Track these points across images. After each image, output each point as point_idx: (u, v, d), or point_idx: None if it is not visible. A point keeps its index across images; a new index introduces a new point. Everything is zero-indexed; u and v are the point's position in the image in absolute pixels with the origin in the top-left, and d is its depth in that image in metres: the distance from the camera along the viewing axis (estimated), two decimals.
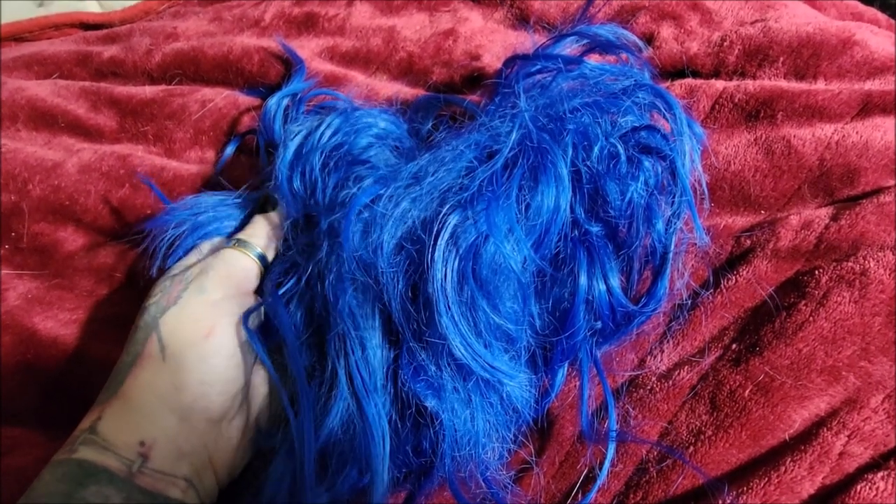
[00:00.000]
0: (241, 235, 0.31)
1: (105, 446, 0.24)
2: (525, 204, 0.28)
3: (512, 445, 0.29)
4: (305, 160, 0.31)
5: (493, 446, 0.28)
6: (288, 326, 0.28)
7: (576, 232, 0.30)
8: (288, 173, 0.31)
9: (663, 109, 0.33)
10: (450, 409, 0.26)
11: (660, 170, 0.31)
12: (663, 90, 0.33)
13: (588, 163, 0.30)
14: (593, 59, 0.37)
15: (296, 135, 0.33)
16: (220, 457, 0.27)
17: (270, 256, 0.32)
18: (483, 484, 0.27)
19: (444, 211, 0.27)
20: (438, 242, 0.26)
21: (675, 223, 0.31)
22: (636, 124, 0.31)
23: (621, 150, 0.30)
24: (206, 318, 0.27)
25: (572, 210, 0.30)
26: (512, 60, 0.38)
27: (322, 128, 0.32)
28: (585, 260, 0.29)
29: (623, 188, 0.30)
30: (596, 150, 0.30)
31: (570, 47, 0.38)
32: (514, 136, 0.29)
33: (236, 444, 0.28)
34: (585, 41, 0.37)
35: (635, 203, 0.30)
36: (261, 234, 0.31)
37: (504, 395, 0.28)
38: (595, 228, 0.30)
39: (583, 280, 0.29)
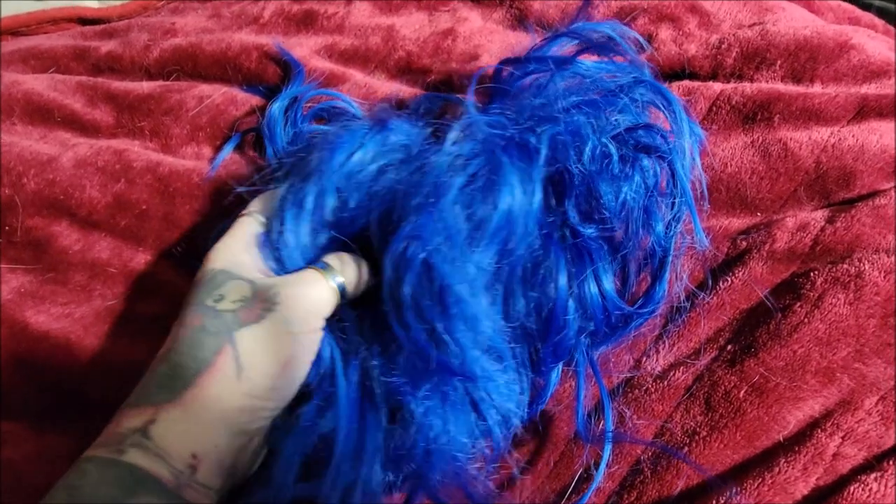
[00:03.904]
0: (328, 260, 0.30)
1: (158, 453, 0.23)
2: (479, 214, 0.28)
3: (502, 450, 0.29)
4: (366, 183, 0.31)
5: (474, 452, 0.28)
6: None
7: (566, 233, 0.30)
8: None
9: (662, 107, 0.32)
10: (426, 415, 0.27)
11: (658, 170, 0.31)
12: (663, 87, 0.33)
13: (581, 163, 0.29)
14: (596, 58, 0.37)
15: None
16: (241, 466, 0.27)
17: (349, 289, 0.30)
18: (465, 492, 0.27)
19: (392, 225, 0.27)
20: (386, 257, 0.27)
21: (674, 226, 0.31)
22: (633, 123, 0.31)
23: (613, 150, 0.30)
24: (286, 349, 0.26)
25: (566, 213, 0.30)
26: (506, 63, 0.38)
27: (367, 146, 0.31)
28: (562, 262, 0.29)
29: (617, 189, 0.30)
30: (588, 149, 0.29)
31: (566, 46, 0.38)
32: (466, 147, 0.29)
33: (254, 454, 0.28)
34: (578, 41, 0.37)
35: (629, 205, 0.30)
36: (348, 269, 0.30)
37: (485, 400, 0.28)
38: (589, 230, 0.30)
39: (561, 282, 0.29)
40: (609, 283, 0.30)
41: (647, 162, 0.31)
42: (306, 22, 0.53)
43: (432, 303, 0.26)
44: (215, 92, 0.46)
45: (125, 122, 0.46)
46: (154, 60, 0.49)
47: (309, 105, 0.44)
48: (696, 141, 0.33)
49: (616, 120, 0.31)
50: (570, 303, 0.29)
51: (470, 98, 0.38)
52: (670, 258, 0.31)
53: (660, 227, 0.30)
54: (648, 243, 0.31)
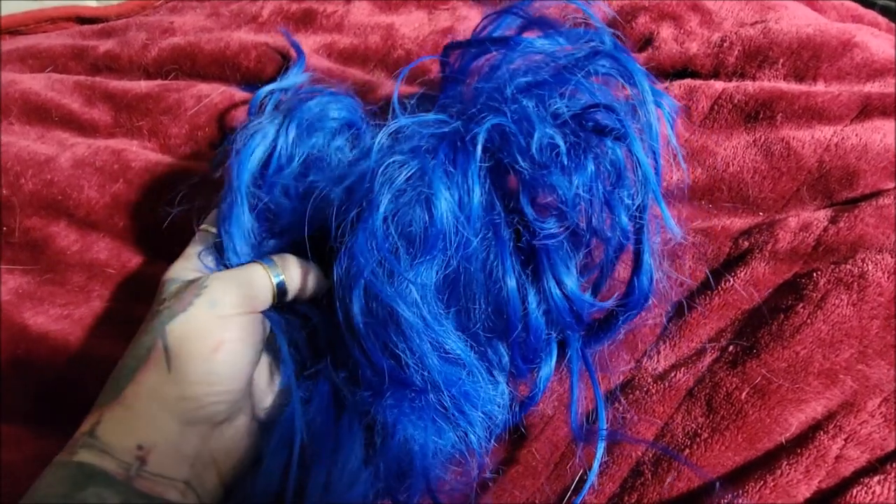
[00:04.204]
0: (275, 258, 0.30)
1: (103, 450, 0.24)
2: (415, 225, 0.27)
3: (483, 452, 0.29)
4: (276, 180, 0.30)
5: (452, 457, 0.28)
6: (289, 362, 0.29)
7: (521, 229, 0.29)
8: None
9: (624, 79, 0.29)
10: (395, 423, 0.27)
11: (620, 154, 0.28)
12: (623, 56, 0.29)
13: (529, 155, 0.27)
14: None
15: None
16: (223, 457, 0.27)
17: (290, 291, 0.30)
18: (433, 500, 0.27)
19: (332, 236, 0.27)
20: (333, 273, 0.26)
21: (641, 216, 0.28)
22: (587, 103, 0.28)
23: (559, 140, 0.27)
24: (215, 332, 0.26)
25: (520, 209, 0.28)
26: (448, 49, 0.37)
27: (280, 145, 0.30)
28: (509, 263, 0.28)
29: (568, 180, 0.27)
30: (535, 139, 0.27)
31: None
32: (395, 154, 0.27)
33: (240, 445, 0.28)
34: (522, 18, 0.34)
35: (584, 196, 0.28)
36: (292, 268, 0.30)
37: (453, 405, 0.27)
38: (546, 226, 0.28)
39: (511, 284, 0.27)
40: (572, 281, 0.28)
41: (609, 144, 0.28)
42: (305, 21, 0.53)
43: (382, 317, 0.26)
44: (214, 91, 0.46)
45: (123, 122, 0.46)
46: (152, 59, 0.49)
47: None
48: (668, 112, 0.30)
49: (567, 103, 0.28)
50: (532, 303, 0.28)
51: (395, 97, 0.36)
52: (647, 249, 0.29)
53: (623, 219, 0.28)
54: (616, 235, 0.29)
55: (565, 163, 0.27)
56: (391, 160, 0.27)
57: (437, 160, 0.27)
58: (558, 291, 0.28)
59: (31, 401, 0.35)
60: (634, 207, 0.28)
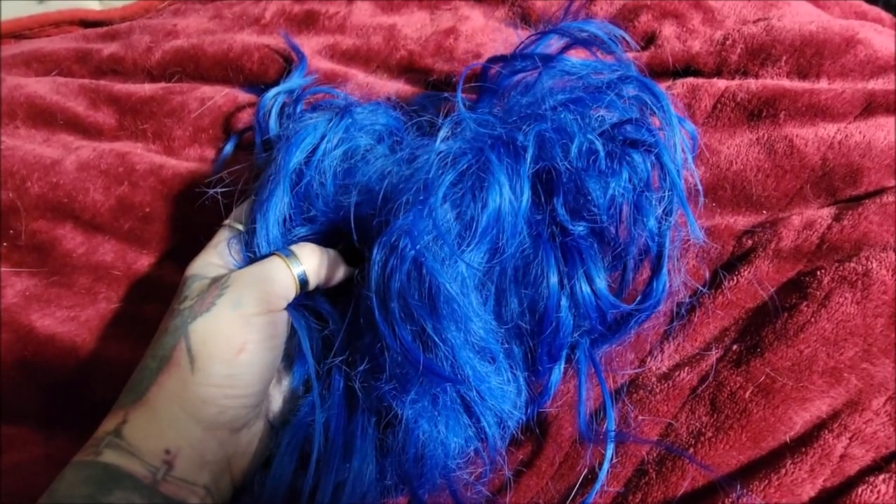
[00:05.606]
0: (294, 248, 0.29)
1: (131, 451, 0.24)
2: (468, 212, 0.28)
3: (499, 451, 0.29)
4: (317, 170, 0.31)
5: (468, 456, 0.28)
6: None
7: (554, 230, 0.30)
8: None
9: (651, 102, 0.31)
10: (416, 420, 0.27)
11: (648, 165, 0.30)
12: (650, 82, 0.32)
13: (568, 160, 0.29)
14: (585, 55, 0.36)
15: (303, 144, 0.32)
16: (237, 461, 0.27)
17: (312, 281, 0.30)
18: (454, 498, 0.27)
19: (379, 220, 0.27)
20: (374, 254, 0.26)
21: (666, 220, 0.30)
22: (620, 118, 0.30)
23: (599, 146, 0.29)
24: (238, 334, 0.26)
25: (555, 210, 0.29)
26: (493, 61, 0.38)
27: (329, 136, 0.32)
28: (553, 260, 0.28)
29: (604, 185, 0.29)
30: (574, 146, 0.29)
31: (555, 44, 0.37)
32: (455, 145, 0.28)
33: (254, 449, 0.28)
34: (566, 38, 0.36)
35: (618, 200, 0.29)
36: (311, 257, 0.30)
37: (478, 402, 0.27)
38: (579, 228, 0.29)
39: (553, 281, 0.28)
40: (602, 282, 0.29)
41: (636, 157, 0.30)
42: (308, 22, 0.53)
43: (421, 302, 0.26)
44: (217, 93, 0.46)
45: (128, 125, 0.46)
46: (156, 62, 0.49)
47: (309, 101, 0.44)
48: (688, 134, 0.32)
49: (602, 116, 0.31)
50: (563, 302, 0.29)
51: (459, 96, 0.38)
52: (666, 253, 0.30)
53: (651, 222, 0.30)
54: (643, 239, 0.30)
55: (603, 168, 0.29)
56: (451, 148, 0.28)
57: (495, 154, 0.28)
58: (588, 289, 0.29)
59: (39, 402, 0.36)
60: (661, 211, 0.30)
